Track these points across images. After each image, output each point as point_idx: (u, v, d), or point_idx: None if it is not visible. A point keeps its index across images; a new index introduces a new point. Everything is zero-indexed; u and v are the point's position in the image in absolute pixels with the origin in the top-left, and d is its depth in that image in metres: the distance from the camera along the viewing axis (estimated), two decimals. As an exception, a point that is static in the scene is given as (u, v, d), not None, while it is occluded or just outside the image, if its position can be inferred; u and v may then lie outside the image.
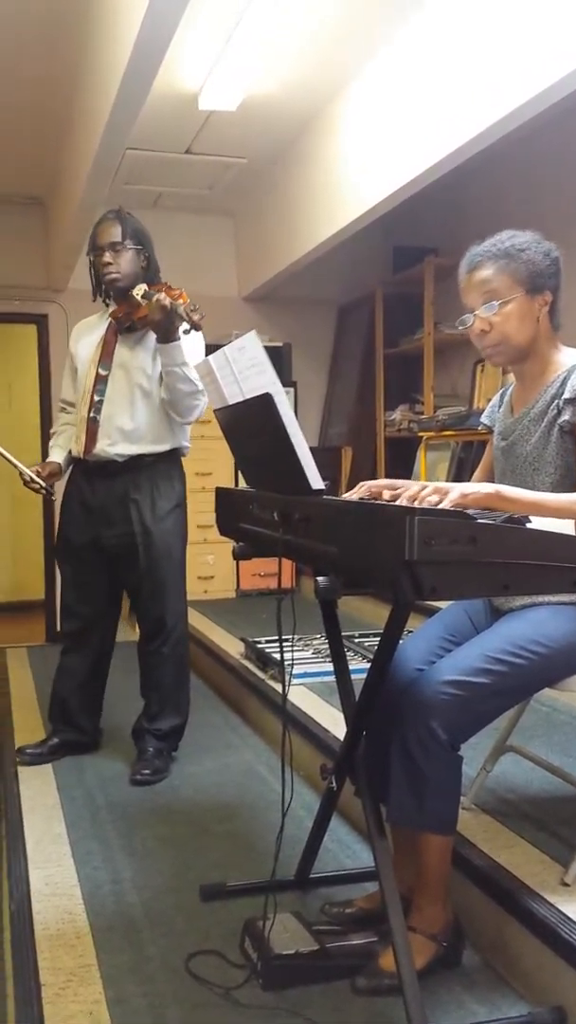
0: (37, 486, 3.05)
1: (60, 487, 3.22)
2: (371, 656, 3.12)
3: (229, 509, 2.17)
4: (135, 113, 3.36)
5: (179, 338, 2.87)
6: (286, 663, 2.69)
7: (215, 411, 2.03)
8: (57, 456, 3.18)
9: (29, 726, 3.62)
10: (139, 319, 2.95)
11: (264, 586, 5.75)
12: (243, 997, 1.79)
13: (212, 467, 5.66)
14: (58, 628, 3.30)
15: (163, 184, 5.70)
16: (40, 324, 6.08)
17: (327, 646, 2.54)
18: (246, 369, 1.77)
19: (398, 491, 1.76)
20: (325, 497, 1.69)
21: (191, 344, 2.92)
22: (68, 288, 6.05)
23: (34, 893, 2.25)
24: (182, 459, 3.21)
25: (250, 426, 1.83)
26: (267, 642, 3.99)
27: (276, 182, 5.42)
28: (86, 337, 3.16)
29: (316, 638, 4.01)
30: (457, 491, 1.61)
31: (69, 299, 6.13)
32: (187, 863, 2.39)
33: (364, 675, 1.83)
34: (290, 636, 2.13)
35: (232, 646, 4.28)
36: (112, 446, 3.00)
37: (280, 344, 5.98)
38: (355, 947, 1.89)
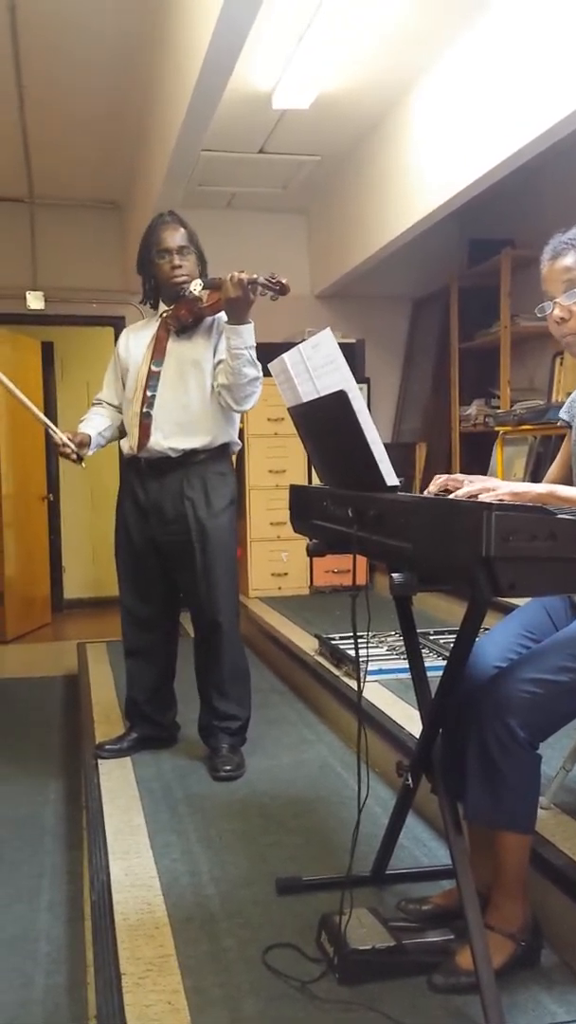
0: (69, 450, 3.02)
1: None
2: (447, 653, 3.10)
3: (303, 506, 2.18)
4: (209, 115, 3.41)
5: (250, 320, 2.89)
6: (361, 660, 2.68)
7: (289, 409, 2.04)
8: (87, 429, 3.15)
9: (110, 719, 3.69)
10: (210, 307, 2.95)
11: (338, 583, 5.75)
12: (319, 991, 1.80)
13: (285, 464, 5.69)
14: (121, 632, 3.30)
15: (237, 184, 5.75)
16: (117, 326, 6.18)
17: (402, 643, 2.53)
18: (320, 367, 1.78)
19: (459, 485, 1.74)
20: (399, 493, 1.68)
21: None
22: (144, 289, 6.16)
23: (114, 883, 2.29)
24: (232, 456, 3.22)
25: (325, 423, 1.84)
26: (341, 639, 3.99)
27: (349, 178, 5.41)
28: (135, 340, 3.14)
29: (391, 635, 4.00)
30: (506, 490, 1.58)
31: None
32: (263, 856, 2.41)
33: (440, 672, 1.82)
34: (364, 633, 2.13)
35: (306, 643, 4.30)
36: (166, 439, 2.99)
37: (353, 341, 5.97)
38: (432, 944, 1.88)
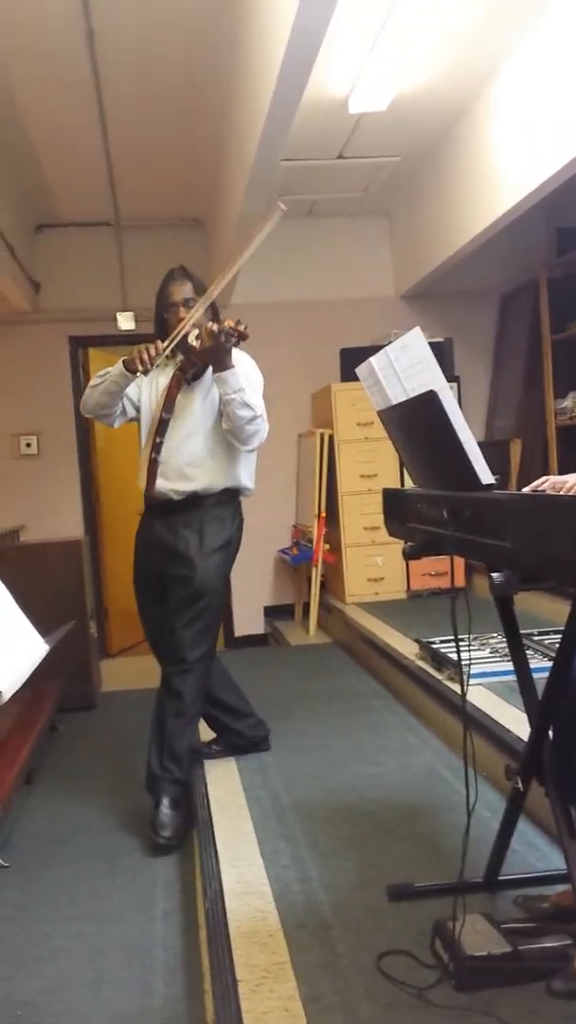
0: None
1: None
2: (552, 654, 3.02)
3: (397, 509, 2.17)
4: (287, 125, 3.42)
5: (233, 365, 2.96)
6: (463, 663, 2.65)
7: (379, 412, 2.04)
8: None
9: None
10: (198, 357, 3.02)
11: (435, 585, 5.68)
12: (436, 997, 1.78)
13: (376, 468, 5.67)
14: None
15: (317, 191, 5.77)
16: (245, 326, 6.28)
17: (504, 645, 2.49)
18: (409, 367, 1.77)
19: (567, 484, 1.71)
20: (495, 491, 1.66)
21: (246, 370, 3.03)
22: (230, 304, 6.24)
23: (226, 891, 2.32)
24: (241, 500, 3.27)
25: (416, 425, 1.83)
26: (442, 642, 3.94)
27: (430, 176, 5.37)
28: (154, 381, 3.19)
29: (493, 637, 3.92)
30: None
31: (232, 314, 6.28)
32: (372, 863, 2.40)
33: (546, 674, 1.78)
34: (466, 635, 2.11)
35: (406, 647, 4.26)
36: (169, 483, 3.10)
37: (441, 340, 5.91)
38: (549, 949, 1.84)
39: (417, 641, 4.14)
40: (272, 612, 6.48)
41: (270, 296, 6.35)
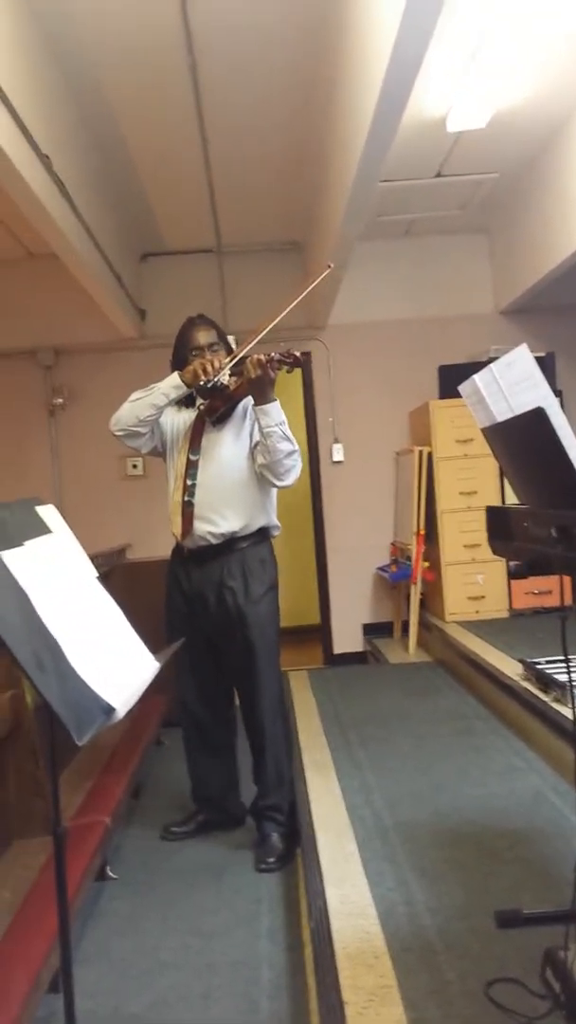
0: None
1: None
2: None
3: (502, 527, 2.14)
4: (387, 147, 3.45)
5: (275, 398, 2.95)
6: (572, 684, 2.59)
7: (483, 430, 2.02)
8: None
9: (316, 744, 3.75)
10: (237, 392, 3.01)
11: (538, 604, 5.56)
12: (548, 1029, 1.74)
13: (476, 486, 5.60)
14: (179, 719, 3.39)
15: (415, 211, 5.77)
16: (304, 361, 6.35)
17: (615, 666, 2.42)
18: (514, 384, 1.76)
19: None
20: (607, 510, 1.63)
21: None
22: (328, 324, 6.29)
23: (331, 911, 2.31)
24: (272, 539, 3.24)
25: (522, 442, 1.81)
26: (548, 663, 3.85)
27: (530, 191, 5.31)
28: (176, 421, 3.20)
29: (601, 658, 3.82)
30: None
31: (329, 335, 6.36)
32: (479, 887, 2.36)
33: None
34: (574, 656, 2.06)
35: (509, 667, 4.18)
36: (205, 525, 3.07)
37: (543, 354, 5.82)
38: None
39: (521, 661, 4.05)
40: (371, 630, 6.46)
41: (368, 315, 6.38)
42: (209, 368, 2.94)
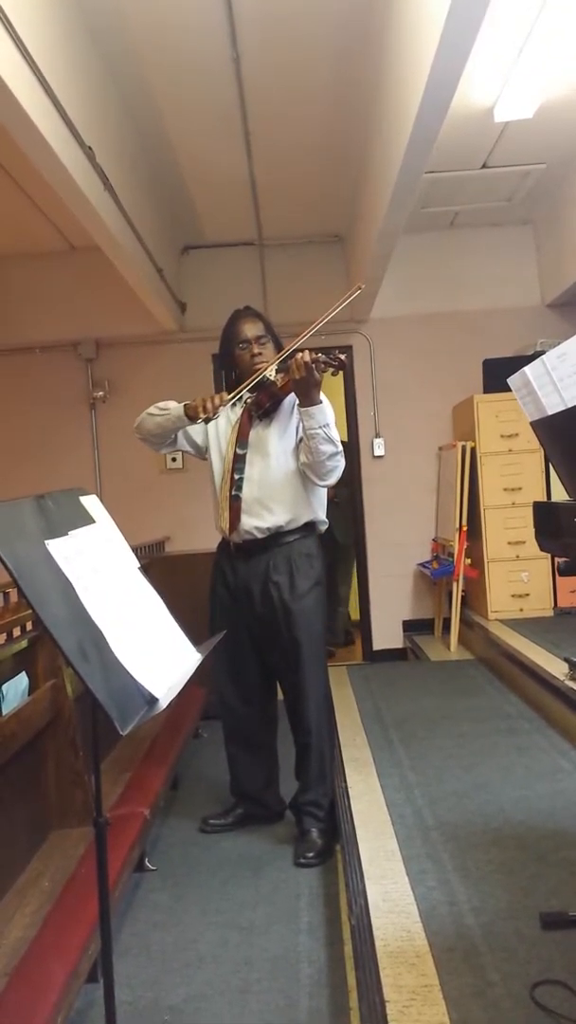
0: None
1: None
2: None
3: (550, 523, 2.10)
4: (433, 138, 3.40)
5: (321, 400, 2.93)
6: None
7: (532, 423, 1.98)
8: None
9: (356, 741, 3.72)
10: (283, 390, 3.01)
11: (584, 603, 5.49)
12: (595, 1035, 1.70)
13: (521, 482, 5.53)
14: (218, 714, 3.38)
15: (460, 203, 5.70)
16: (346, 354, 6.31)
17: None
18: (568, 376, 1.71)
19: None
20: None
21: (326, 404, 2.97)
22: (370, 318, 6.24)
23: (372, 908, 2.29)
24: (319, 534, 3.21)
25: (574, 435, 1.77)
26: (593, 662, 3.79)
27: (577, 182, 5.22)
28: (222, 420, 3.20)
29: None
30: None
31: (371, 328, 6.32)
32: (524, 889, 2.32)
33: None
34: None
35: (555, 666, 4.12)
36: (252, 519, 3.07)
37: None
38: None
39: (567, 660, 3.99)
40: (411, 626, 6.41)
41: (411, 309, 6.32)
42: (209, 405, 2.97)
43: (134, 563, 1.89)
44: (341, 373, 2.95)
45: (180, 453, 6.22)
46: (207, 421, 3.04)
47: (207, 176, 5.08)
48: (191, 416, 3.03)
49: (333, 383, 6.36)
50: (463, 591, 5.68)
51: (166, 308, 5.70)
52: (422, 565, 6.22)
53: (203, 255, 6.37)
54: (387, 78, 3.72)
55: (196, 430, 3.21)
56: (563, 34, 3.63)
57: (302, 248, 6.34)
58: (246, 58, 3.81)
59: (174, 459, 6.28)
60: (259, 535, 3.09)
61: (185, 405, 3.05)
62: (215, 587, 3.24)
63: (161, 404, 3.13)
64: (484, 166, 5.05)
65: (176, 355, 6.33)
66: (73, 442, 6.38)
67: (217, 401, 2.98)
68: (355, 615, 6.71)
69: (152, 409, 3.14)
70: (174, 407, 3.09)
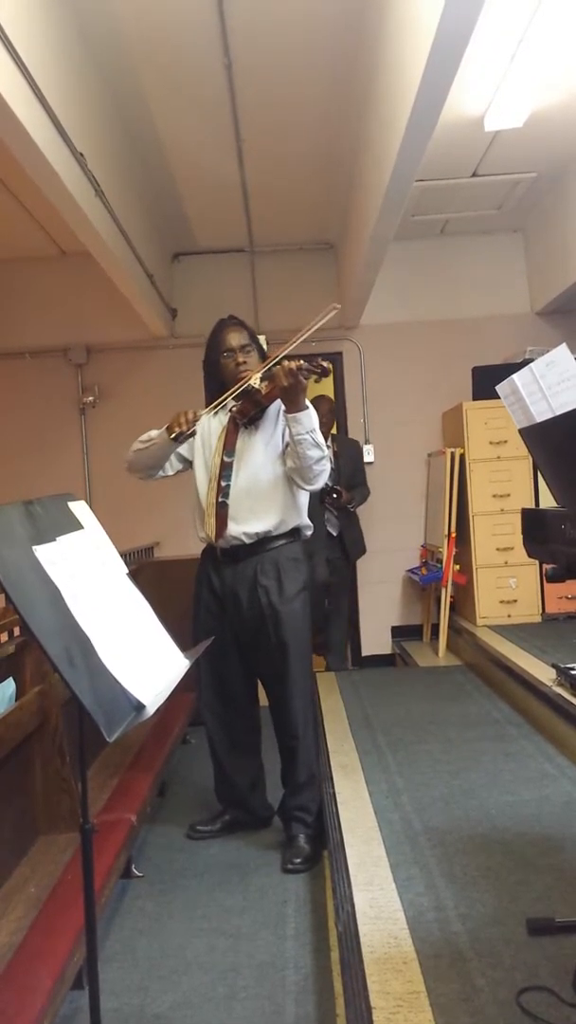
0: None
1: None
2: None
3: (538, 530, 2.11)
4: (423, 146, 3.42)
5: (308, 406, 2.96)
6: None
7: (520, 430, 1.99)
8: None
9: (344, 747, 3.72)
10: (268, 397, 3.04)
11: (572, 609, 5.50)
12: (581, 1041, 1.70)
13: (509, 488, 5.55)
14: (202, 719, 3.38)
15: (450, 210, 5.73)
16: (336, 362, 6.33)
17: None
18: (556, 384, 1.72)
19: None
20: None
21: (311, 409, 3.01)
22: (360, 324, 6.26)
23: (359, 914, 2.29)
24: (304, 540, 3.23)
25: (563, 443, 1.77)
26: (581, 668, 3.80)
27: (568, 189, 5.26)
28: (208, 428, 3.23)
29: None
30: None
31: (361, 335, 6.34)
32: (510, 895, 2.33)
33: None
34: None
35: (542, 672, 4.13)
36: (239, 525, 3.08)
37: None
38: None
39: (554, 666, 4.00)
40: (400, 632, 6.42)
41: (401, 316, 6.35)
42: (183, 420, 3.04)
43: (122, 569, 1.89)
44: (324, 379, 3.01)
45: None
46: (182, 437, 3.08)
47: (199, 182, 5.09)
48: (172, 435, 3.07)
49: (323, 388, 6.38)
50: (452, 597, 5.69)
51: (157, 314, 5.70)
52: (411, 571, 6.23)
53: (194, 261, 6.39)
54: (378, 86, 3.74)
55: (181, 447, 3.24)
56: (553, 44, 3.66)
57: (293, 255, 6.36)
58: (238, 65, 3.82)
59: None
60: (247, 540, 3.10)
61: (166, 428, 3.09)
62: (200, 593, 3.25)
63: (143, 437, 3.18)
64: (474, 174, 5.07)
65: (166, 361, 6.33)
66: (63, 447, 6.37)
67: (191, 415, 3.05)
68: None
69: (137, 445, 3.19)
70: (156, 434, 3.14)
